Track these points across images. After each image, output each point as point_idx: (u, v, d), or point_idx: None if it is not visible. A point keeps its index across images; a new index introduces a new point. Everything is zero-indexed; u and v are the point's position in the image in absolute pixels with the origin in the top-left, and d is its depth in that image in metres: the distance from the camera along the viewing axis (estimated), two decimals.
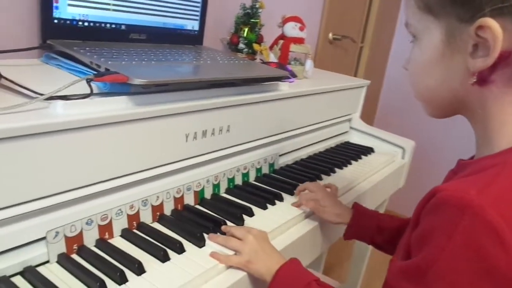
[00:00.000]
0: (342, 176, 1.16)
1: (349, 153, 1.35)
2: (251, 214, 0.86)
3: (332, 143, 1.42)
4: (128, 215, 0.75)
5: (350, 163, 1.27)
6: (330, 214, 0.88)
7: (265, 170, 1.09)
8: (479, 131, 0.56)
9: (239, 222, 0.83)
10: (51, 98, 0.63)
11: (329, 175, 1.16)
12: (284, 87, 1.12)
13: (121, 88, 0.72)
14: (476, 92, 0.52)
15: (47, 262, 0.65)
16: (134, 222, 0.77)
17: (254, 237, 0.71)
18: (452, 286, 0.47)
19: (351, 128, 1.54)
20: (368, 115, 2.68)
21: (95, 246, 0.71)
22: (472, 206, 0.45)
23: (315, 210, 0.89)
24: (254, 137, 1.04)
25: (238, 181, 1.00)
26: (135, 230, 0.76)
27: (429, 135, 2.53)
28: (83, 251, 0.68)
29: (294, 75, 1.28)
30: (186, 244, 0.73)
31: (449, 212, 0.47)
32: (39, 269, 0.63)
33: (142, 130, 0.74)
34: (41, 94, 0.61)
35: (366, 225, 0.87)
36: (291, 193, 0.98)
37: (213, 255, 0.70)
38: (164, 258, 0.68)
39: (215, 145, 0.92)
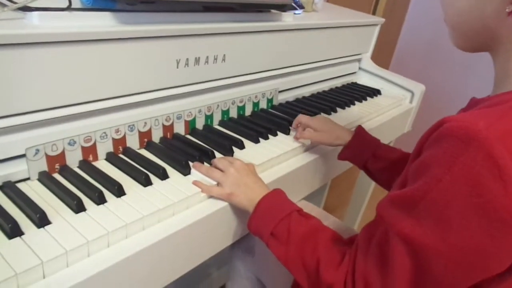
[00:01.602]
0: (343, 116, 1.13)
1: (354, 93, 1.31)
2: (241, 146, 0.85)
3: (338, 82, 1.38)
4: (113, 139, 0.74)
5: (354, 104, 1.24)
6: (329, 136, 0.88)
7: (263, 105, 1.06)
8: (501, 67, 0.53)
9: (228, 153, 0.81)
10: (27, 8, 0.60)
11: (329, 114, 1.13)
12: (288, 18, 1.06)
13: (105, 4, 0.68)
14: (508, 23, 0.49)
15: (28, 179, 0.65)
16: (120, 147, 0.76)
17: (236, 169, 0.70)
18: (442, 220, 0.45)
19: (360, 69, 1.48)
20: (384, 58, 2.58)
21: (78, 167, 0.70)
22: (477, 138, 0.42)
23: (313, 137, 0.88)
24: (252, 70, 1.00)
25: (233, 114, 0.98)
26: (120, 155, 0.76)
27: (447, 83, 2.44)
28: (65, 170, 0.68)
29: (301, 7, 1.21)
30: (170, 171, 0.73)
31: (453, 143, 0.44)
32: (19, 184, 0.63)
33: (129, 51, 0.71)
34: (15, 3, 0.58)
35: (363, 148, 0.86)
36: (287, 129, 0.96)
37: (195, 183, 0.69)
38: (146, 182, 0.67)
39: (209, 75, 0.89)
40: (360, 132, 0.88)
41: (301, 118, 0.92)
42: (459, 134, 0.44)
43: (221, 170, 0.71)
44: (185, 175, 0.72)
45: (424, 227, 0.46)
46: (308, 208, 0.96)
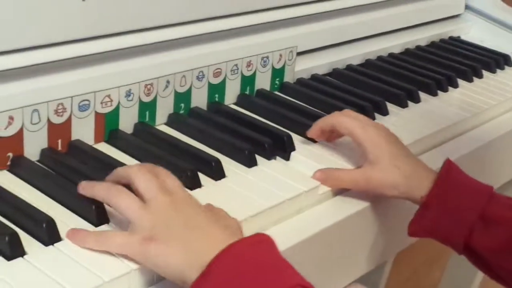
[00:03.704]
0: (430, 112, 1.14)
1: (455, 62, 1.33)
2: (218, 173, 0.86)
3: (422, 38, 1.41)
4: None
5: (455, 84, 1.26)
6: (384, 179, 0.87)
7: (263, 82, 1.08)
8: None
9: (189, 186, 0.81)
10: None
11: (402, 105, 1.14)
12: None
13: None
14: None
15: None
16: None
17: (170, 196, 0.68)
18: None
19: (467, 9, 1.51)
20: None
21: None
22: None
23: (350, 182, 0.89)
24: (243, 7, 1.02)
25: (199, 100, 1.00)
26: None
27: None
28: None
29: None
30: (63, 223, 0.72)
31: None
32: None
33: None
34: None
35: (459, 208, 0.86)
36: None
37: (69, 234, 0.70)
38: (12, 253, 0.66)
39: (150, 17, 0.90)
40: (448, 174, 0.88)
41: (337, 119, 0.93)
42: None
43: (140, 196, 0.70)
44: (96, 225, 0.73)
45: None
46: None
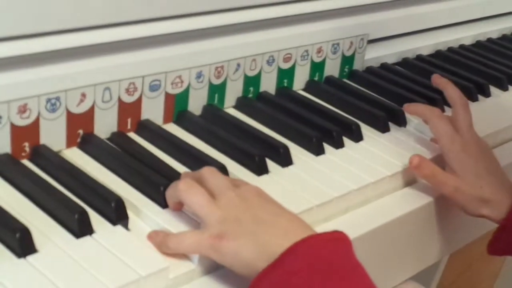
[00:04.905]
0: (500, 107, 1.12)
1: None
2: (285, 159, 0.85)
3: (492, 30, 1.39)
4: (13, 125, 0.74)
5: None
6: (469, 195, 0.87)
7: (332, 69, 1.07)
8: None
9: (256, 172, 0.82)
10: None
11: (472, 99, 1.11)
12: None
13: None
14: None
15: None
16: (26, 144, 0.77)
17: (240, 194, 0.69)
18: None
19: None
20: None
21: None
22: None
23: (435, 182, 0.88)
24: None
25: (268, 85, 1.00)
26: (25, 161, 0.76)
27: None
28: None
29: None
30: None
31: None
32: None
33: None
34: None
35: None
36: (382, 126, 0.97)
37: (151, 236, 0.69)
38: (80, 232, 0.66)
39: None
40: None
41: (432, 118, 0.92)
42: None
43: (211, 192, 0.70)
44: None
45: None
46: None
